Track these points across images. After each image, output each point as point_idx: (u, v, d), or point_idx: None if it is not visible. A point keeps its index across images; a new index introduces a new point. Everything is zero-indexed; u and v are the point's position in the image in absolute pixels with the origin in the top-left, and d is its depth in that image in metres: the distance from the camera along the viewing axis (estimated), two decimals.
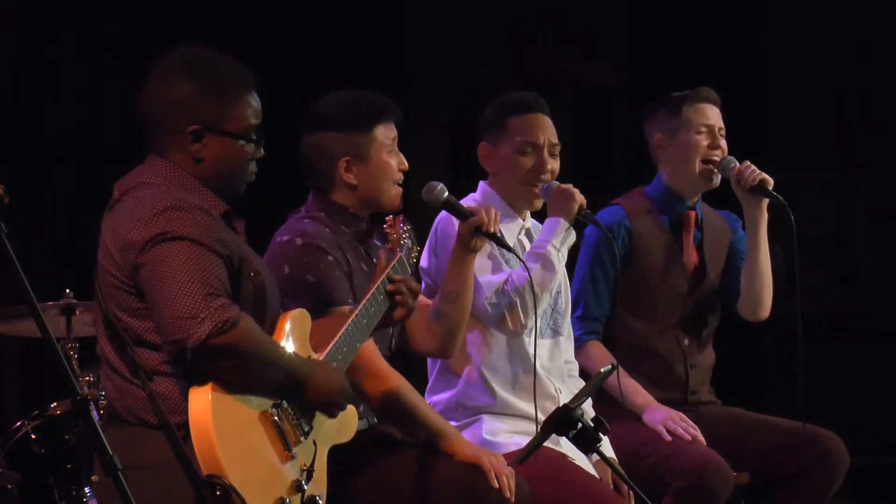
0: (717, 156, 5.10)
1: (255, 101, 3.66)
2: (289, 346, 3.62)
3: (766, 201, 5.03)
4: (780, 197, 4.99)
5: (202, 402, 3.39)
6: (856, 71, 8.20)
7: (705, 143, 5.10)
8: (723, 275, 5.21)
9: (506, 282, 4.54)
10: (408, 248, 4.17)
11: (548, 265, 4.58)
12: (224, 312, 3.36)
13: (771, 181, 5.02)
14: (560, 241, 4.63)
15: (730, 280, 5.20)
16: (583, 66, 8.17)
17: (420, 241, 4.38)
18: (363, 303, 3.85)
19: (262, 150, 3.69)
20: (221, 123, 3.60)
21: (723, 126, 5.14)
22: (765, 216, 5.05)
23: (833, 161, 8.28)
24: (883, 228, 8.28)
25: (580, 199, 4.67)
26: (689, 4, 8.04)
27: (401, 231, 4.16)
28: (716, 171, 5.09)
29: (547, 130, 4.73)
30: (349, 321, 3.79)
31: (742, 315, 5.18)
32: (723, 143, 5.12)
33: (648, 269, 5.08)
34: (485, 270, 4.57)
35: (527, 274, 4.49)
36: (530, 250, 4.65)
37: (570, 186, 4.69)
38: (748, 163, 5.05)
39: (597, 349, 5.02)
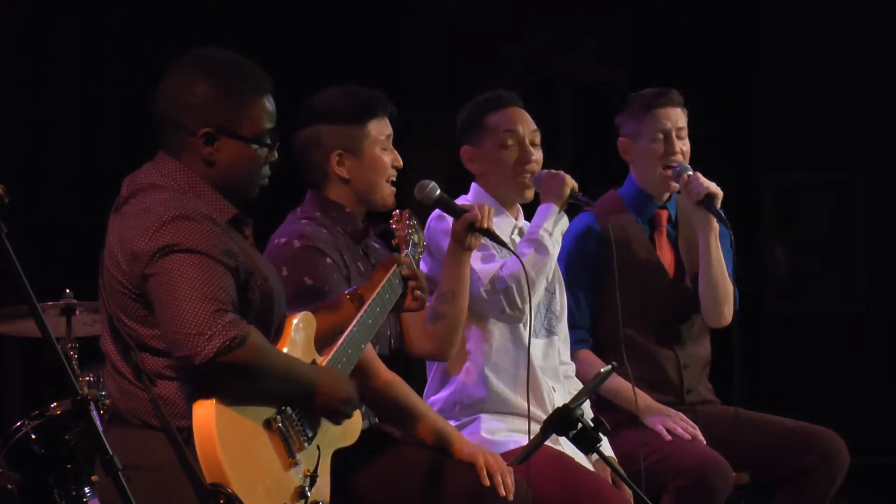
0: (674, 162, 5.10)
1: (269, 105, 3.63)
2: (294, 349, 3.61)
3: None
4: (722, 214, 4.98)
5: (206, 410, 3.38)
6: (855, 71, 8.19)
7: (661, 150, 5.10)
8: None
9: (501, 268, 4.55)
10: (414, 243, 4.15)
11: (541, 249, 4.58)
12: (232, 329, 3.35)
13: (720, 194, 4.99)
14: (552, 224, 4.63)
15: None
16: (583, 66, 8.17)
17: None
18: (368, 303, 3.83)
19: (276, 154, 3.67)
20: (235, 127, 3.57)
21: (683, 126, 5.13)
22: (714, 228, 5.03)
23: (832, 161, 8.27)
24: (882, 229, 8.27)
25: (571, 182, 4.68)
26: (688, 4, 8.04)
27: (407, 226, 4.15)
28: (670, 177, 5.09)
29: (525, 121, 4.74)
30: (353, 323, 3.78)
31: (707, 322, 5.17)
32: (680, 144, 5.10)
33: (626, 270, 5.05)
34: (477, 260, 4.57)
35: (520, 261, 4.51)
36: (524, 237, 4.66)
37: (561, 172, 4.69)
38: (698, 174, 5.04)
39: (588, 357, 5.00)
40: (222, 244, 3.45)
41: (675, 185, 5.11)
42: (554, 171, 4.70)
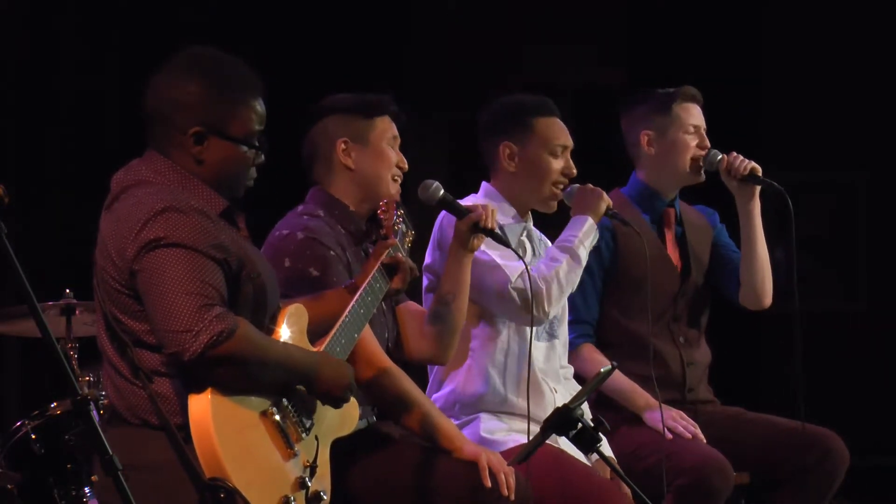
0: (703, 155, 5.15)
1: (260, 107, 3.64)
2: (287, 340, 3.62)
3: (757, 189, 5.07)
4: (774, 182, 5.03)
5: (202, 405, 3.39)
6: (856, 71, 8.20)
7: (694, 142, 5.14)
8: (713, 270, 5.23)
9: (533, 269, 4.55)
10: (402, 232, 4.16)
11: (575, 258, 4.64)
12: (219, 323, 3.35)
13: (759, 168, 5.05)
14: (586, 236, 4.69)
15: (723, 274, 5.22)
16: (583, 66, 8.17)
17: (420, 240, 4.37)
18: (359, 292, 3.85)
19: (263, 157, 3.68)
20: (225, 127, 3.59)
21: (705, 126, 5.18)
22: (758, 204, 5.10)
23: (833, 161, 8.28)
24: (883, 229, 8.28)
25: (608, 199, 4.78)
26: (689, 4, 8.04)
27: (395, 215, 4.15)
28: (703, 166, 5.12)
29: (567, 134, 4.78)
30: (345, 313, 3.78)
31: (745, 305, 5.19)
32: (707, 142, 5.16)
33: (636, 267, 5.07)
34: (502, 258, 4.57)
35: (553, 265, 4.56)
36: (557, 243, 4.69)
37: (599, 188, 4.78)
38: (735, 153, 5.09)
39: (590, 352, 5.01)
40: (211, 237, 3.46)
41: (702, 177, 5.14)
42: (592, 186, 4.77)
